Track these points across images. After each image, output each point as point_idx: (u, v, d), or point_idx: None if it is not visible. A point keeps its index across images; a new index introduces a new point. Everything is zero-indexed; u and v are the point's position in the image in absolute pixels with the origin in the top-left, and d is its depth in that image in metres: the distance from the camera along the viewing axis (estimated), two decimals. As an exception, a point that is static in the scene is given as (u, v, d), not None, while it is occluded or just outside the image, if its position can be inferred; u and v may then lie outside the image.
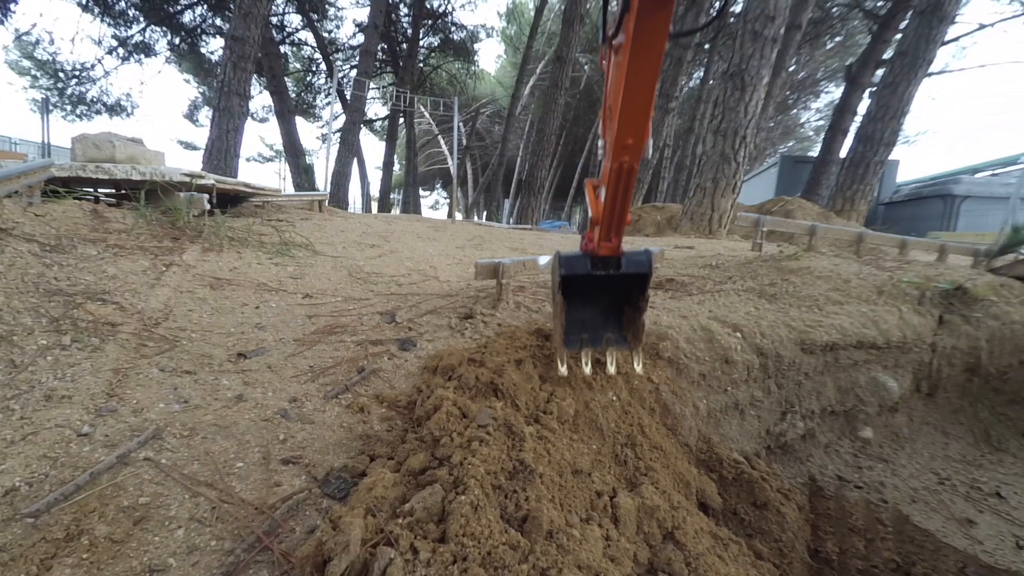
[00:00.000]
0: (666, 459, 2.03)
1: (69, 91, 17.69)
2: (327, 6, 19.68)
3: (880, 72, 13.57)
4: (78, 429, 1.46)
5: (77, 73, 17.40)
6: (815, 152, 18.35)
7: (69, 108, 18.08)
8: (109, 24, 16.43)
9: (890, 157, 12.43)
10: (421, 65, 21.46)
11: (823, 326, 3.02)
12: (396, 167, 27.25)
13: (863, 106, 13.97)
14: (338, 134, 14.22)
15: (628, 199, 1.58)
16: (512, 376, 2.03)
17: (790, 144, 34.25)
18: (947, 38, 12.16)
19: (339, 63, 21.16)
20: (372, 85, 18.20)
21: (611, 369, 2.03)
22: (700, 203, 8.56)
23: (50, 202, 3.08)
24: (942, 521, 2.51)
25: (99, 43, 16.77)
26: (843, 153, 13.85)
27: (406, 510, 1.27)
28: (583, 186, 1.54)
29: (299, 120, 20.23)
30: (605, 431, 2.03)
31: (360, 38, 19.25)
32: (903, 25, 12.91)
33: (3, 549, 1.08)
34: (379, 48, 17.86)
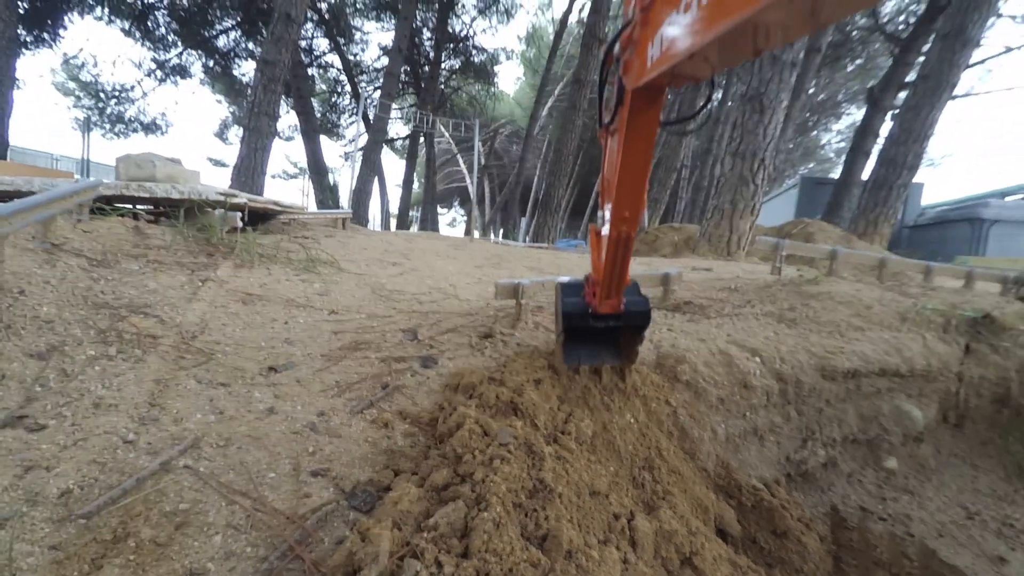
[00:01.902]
0: (684, 483, 2.03)
1: (109, 110, 18.63)
2: (354, 31, 20.47)
3: (903, 94, 13.48)
4: (124, 436, 1.55)
5: (117, 94, 18.33)
6: (836, 174, 18.18)
7: (108, 126, 19.02)
8: (149, 48, 17.36)
9: (914, 180, 12.25)
10: (442, 87, 22.05)
11: (844, 352, 2.99)
12: (415, 185, 27.79)
13: (885, 128, 13.84)
14: (360, 152, 14.64)
15: (627, 263, 1.70)
16: (531, 396, 2.08)
17: (810, 165, 33.94)
18: (972, 61, 12.05)
19: (363, 84, 21.87)
20: (394, 106, 18.75)
21: (605, 379, 2.21)
22: (718, 224, 8.54)
23: (96, 219, 3.27)
24: (971, 557, 2.44)
25: (139, 66, 17.71)
26: (865, 175, 13.68)
27: (430, 524, 1.32)
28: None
29: (322, 138, 20.87)
30: (623, 453, 2.05)
31: (384, 61, 19.92)
32: (926, 48, 12.85)
33: (59, 548, 1.15)
34: (402, 70, 18.44)
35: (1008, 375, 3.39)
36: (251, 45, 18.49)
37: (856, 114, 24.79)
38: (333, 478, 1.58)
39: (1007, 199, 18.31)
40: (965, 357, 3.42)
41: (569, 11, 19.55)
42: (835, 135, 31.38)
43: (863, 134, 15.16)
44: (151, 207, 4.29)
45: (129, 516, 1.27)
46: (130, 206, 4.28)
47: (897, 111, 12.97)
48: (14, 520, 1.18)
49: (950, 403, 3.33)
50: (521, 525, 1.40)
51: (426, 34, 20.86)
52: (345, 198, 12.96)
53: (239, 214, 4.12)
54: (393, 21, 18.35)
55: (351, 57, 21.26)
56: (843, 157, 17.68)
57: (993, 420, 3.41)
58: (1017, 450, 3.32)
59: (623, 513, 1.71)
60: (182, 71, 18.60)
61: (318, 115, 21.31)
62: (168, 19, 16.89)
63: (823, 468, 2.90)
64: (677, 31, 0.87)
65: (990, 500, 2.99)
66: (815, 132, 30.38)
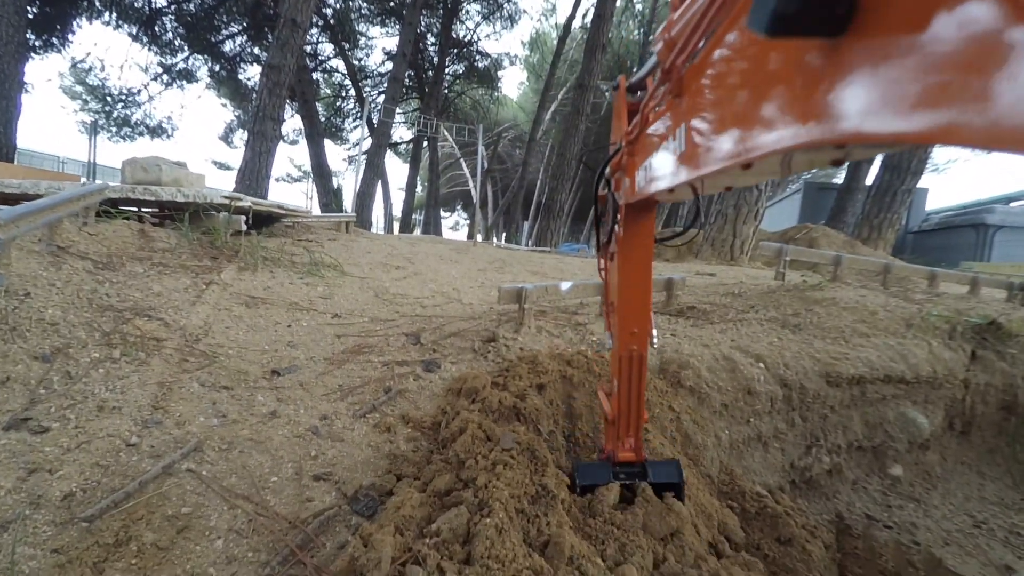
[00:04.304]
0: (687, 490, 2.01)
1: (115, 114, 18.77)
2: (358, 36, 20.60)
3: (906, 100, 13.40)
4: (127, 439, 1.55)
5: (124, 97, 18.47)
6: (839, 179, 18.13)
7: (114, 130, 19.15)
8: (156, 53, 17.50)
9: (918, 185, 12.22)
10: (446, 91, 22.14)
11: (849, 359, 2.97)
12: (419, 188, 27.87)
13: (889, 134, 13.77)
14: (364, 156, 14.71)
15: (642, 389, 1.55)
16: (534, 401, 2.07)
17: (814, 170, 33.92)
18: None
19: (368, 89, 21.99)
20: (398, 110, 18.85)
21: None
22: (721, 229, 8.54)
23: (102, 222, 3.29)
24: (979, 567, 2.41)
25: (146, 70, 17.85)
26: (869, 180, 13.65)
27: (433, 530, 1.31)
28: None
29: (327, 142, 20.97)
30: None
31: (388, 65, 20.04)
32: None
33: (61, 551, 1.15)
34: (406, 75, 18.53)
35: (1015, 382, 3.36)
36: (257, 50, 18.61)
37: (859, 119, 24.64)
38: (335, 482, 1.58)
39: (1012, 205, 18.23)
40: (971, 364, 3.39)
41: (573, 16, 19.61)
42: (838, 140, 31.28)
43: (867, 139, 15.09)
44: (156, 210, 4.31)
45: (131, 520, 1.27)
46: (134, 209, 4.31)
47: (901, 116, 12.90)
48: (17, 523, 1.18)
49: (956, 410, 3.30)
50: (524, 531, 1.40)
51: (430, 39, 20.99)
52: (349, 202, 13.01)
53: (243, 217, 4.13)
54: (398, 27, 18.50)
55: (356, 62, 21.38)
56: (847, 162, 17.61)
57: (1000, 427, 3.38)
58: (1024, 458, 3.29)
59: (626, 520, 1.70)
60: (188, 75, 18.74)
61: (322, 119, 21.43)
62: (175, 24, 17.05)
63: (828, 475, 2.87)
64: (653, 172, 0.96)
65: (997, 508, 2.96)
66: (818, 137, 30.28)
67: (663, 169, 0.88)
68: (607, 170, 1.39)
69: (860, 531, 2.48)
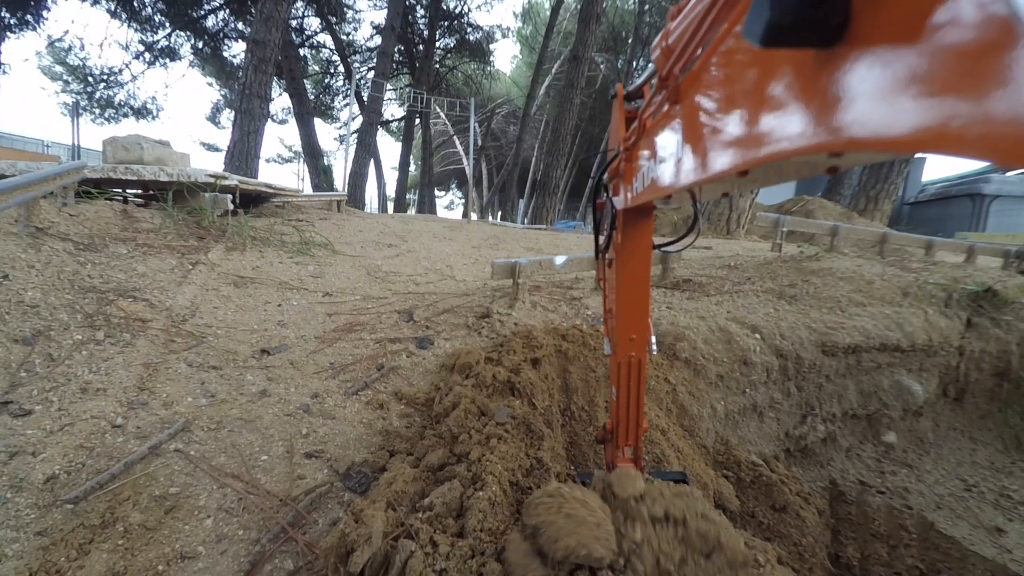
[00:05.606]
0: (683, 460, 2.02)
1: (98, 95, 18.24)
2: (345, 9, 19.93)
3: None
4: (112, 421, 1.52)
5: (105, 77, 17.92)
6: (837, 150, 17.88)
7: (98, 111, 18.63)
8: (136, 30, 16.90)
9: (916, 155, 12.10)
10: (437, 66, 21.61)
11: (845, 328, 2.96)
12: (412, 167, 27.47)
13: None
14: (355, 135, 14.41)
15: (642, 397, 1.54)
16: (529, 375, 2.05)
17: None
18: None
19: (356, 65, 21.42)
20: (389, 86, 18.39)
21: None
22: (718, 203, 8.45)
23: (83, 202, 3.20)
24: (969, 528, 2.45)
25: (127, 48, 17.28)
26: (866, 152, 13.50)
27: (425, 504, 1.29)
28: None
29: (317, 121, 20.51)
30: (622, 431, 2.02)
31: (377, 40, 19.46)
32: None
33: (44, 534, 1.13)
34: (396, 50, 18.03)
35: (1009, 348, 3.37)
36: (240, 25, 18.01)
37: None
38: (327, 460, 1.56)
39: (1008, 174, 18.12)
40: (966, 331, 3.39)
41: (566, -15, 19.02)
42: (836, 111, 30.87)
43: (865, 109, 14.87)
44: (140, 190, 4.21)
45: (117, 501, 1.24)
46: (119, 190, 4.20)
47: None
48: (-2, 506, 1.16)
49: (950, 377, 3.31)
50: (517, 503, 1.39)
51: (419, 12, 20.38)
52: (340, 180, 12.79)
53: (230, 196, 4.04)
54: (385, -2, 17.88)
55: (343, 36, 20.77)
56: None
57: (993, 393, 3.40)
58: (1016, 423, 3.32)
59: (622, 490, 1.69)
60: (171, 53, 18.15)
61: (311, 97, 20.92)
62: (154, -1, 16.44)
63: (822, 443, 2.89)
64: (651, 178, 0.98)
65: (988, 472, 3.00)
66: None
67: (661, 175, 0.91)
68: (605, 176, 1.39)
69: (853, 497, 2.51)
